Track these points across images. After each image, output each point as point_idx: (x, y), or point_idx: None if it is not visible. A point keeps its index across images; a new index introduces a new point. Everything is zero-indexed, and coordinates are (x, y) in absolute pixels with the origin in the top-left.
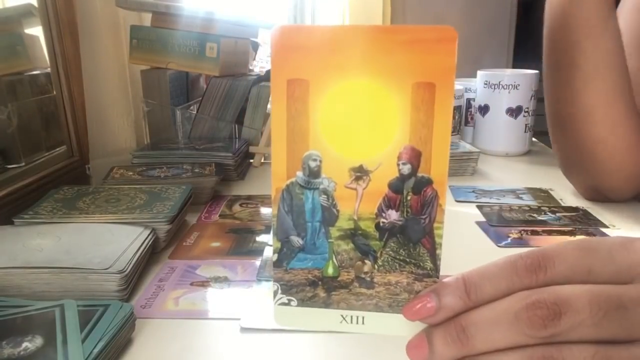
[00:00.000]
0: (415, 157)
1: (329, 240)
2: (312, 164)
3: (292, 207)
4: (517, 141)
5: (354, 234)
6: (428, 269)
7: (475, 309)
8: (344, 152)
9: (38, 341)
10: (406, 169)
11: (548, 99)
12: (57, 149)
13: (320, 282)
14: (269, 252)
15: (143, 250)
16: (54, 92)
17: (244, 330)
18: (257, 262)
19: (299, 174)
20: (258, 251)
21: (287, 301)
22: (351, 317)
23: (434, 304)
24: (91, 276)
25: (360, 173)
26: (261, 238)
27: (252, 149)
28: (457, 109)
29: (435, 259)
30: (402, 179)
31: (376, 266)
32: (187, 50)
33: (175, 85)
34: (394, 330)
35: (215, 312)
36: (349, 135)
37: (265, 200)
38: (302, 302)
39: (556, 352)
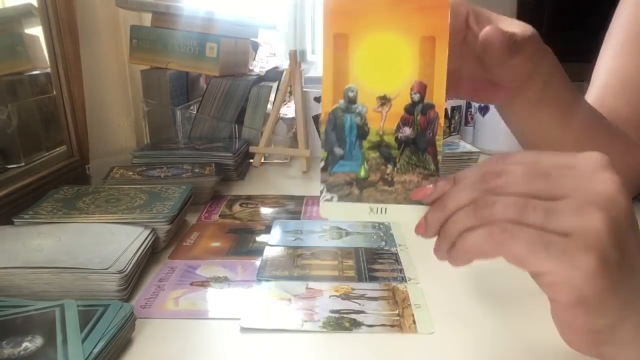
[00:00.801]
0: (422, 88)
1: (362, 150)
2: (350, 94)
3: (335, 126)
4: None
5: (379, 145)
6: (432, 170)
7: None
8: (373, 86)
9: (38, 341)
10: (416, 97)
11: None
12: (57, 149)
13: (354, 182)
14: (268, 252)
15: (143, 250)
16: (54, 92)
17: (244, 330)
18: (257, 262)
19: (341, 101)
20: (258, 251)
21: (330, 198)
22: (377, 208)
23: (430, 188)
24: (91, 276)
25: (384, 100)
26: (261, 238)
27: (252, 149)
28: (457, 109)
29: (436, 162)
30: (414, 104)
31: (395, 169)
32: (187, 50)
33: (175, 85)
34: (407, 217)
35: (215, 312)
36: (376, 73)
37: (265, 200)
38: (341, 198)
39: (492, 198)
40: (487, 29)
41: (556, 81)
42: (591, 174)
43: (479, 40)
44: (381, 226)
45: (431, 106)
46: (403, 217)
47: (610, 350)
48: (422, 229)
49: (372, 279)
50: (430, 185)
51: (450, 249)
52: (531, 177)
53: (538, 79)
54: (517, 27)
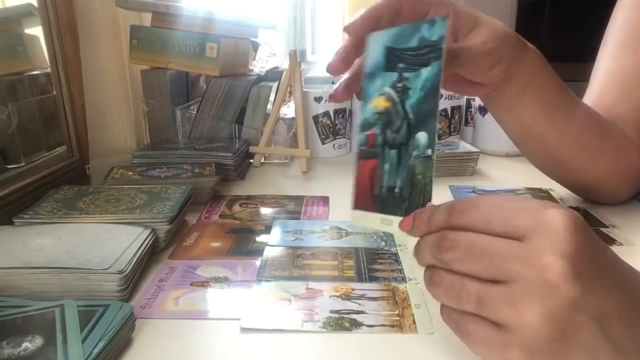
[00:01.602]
0: None
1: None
2: None
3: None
4: None
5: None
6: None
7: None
8: None
9: (38, 341)
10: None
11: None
12: (57, 149)
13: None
14: (269, 252)
15: (143, 251)
16: (54, 92)
17: (244, 330)
18: (257, 262)
19: None
20: (258, 251)
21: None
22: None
23: (411, 223)
24: (91, 276)
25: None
26: (261, 238)
27: (252, 149)
28: (457, 109)
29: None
30: None
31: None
32: (187, 50)
33: (175, 85)
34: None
35: (215, 312)
36: None
37: (265, 200)
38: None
39: (439, 275)
40: (460, 45)
41: (539, 79)
42: (536, 257)
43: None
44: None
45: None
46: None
47: None
48: (408, 227)
49: (372, 279)
50: (411, 221)
51: None
52: (474, 257)
53: (517, 78)
54: (486, 35)
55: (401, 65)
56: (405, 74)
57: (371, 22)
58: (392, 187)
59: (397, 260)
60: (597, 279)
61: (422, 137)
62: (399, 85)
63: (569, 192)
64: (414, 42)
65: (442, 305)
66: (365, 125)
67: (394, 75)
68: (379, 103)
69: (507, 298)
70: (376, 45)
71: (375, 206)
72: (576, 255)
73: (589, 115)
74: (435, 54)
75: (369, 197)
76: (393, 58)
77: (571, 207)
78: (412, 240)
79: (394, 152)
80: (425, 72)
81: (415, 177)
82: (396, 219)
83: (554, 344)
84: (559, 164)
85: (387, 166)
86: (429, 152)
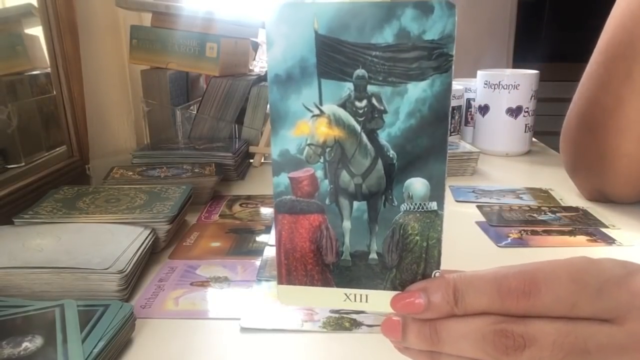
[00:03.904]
0: None
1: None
2: None
3: None
4: (517, 141)
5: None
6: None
7: (453, 318)
8: None
9: (38, 341)
10: None
11: (583, 99)
12: (57, 149)
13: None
14: (269, 252)
15: (143, 250)
16: (54, 92)
17: (244, 330)
18: (257, 262)
19: None
20: (258, 251)
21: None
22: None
23: (422, 301)
24: (91, 276)
25: None
26: (261, 238)
27: (252, 149)
28: (457, 109)
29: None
30: None
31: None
32: (187, 50)
33: (175, 85)
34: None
35: (215, 312)
36: None
37: (265, 200)
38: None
39: None
40: None
41: None
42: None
43: None
44: None
45: None
46: (389, 310)
47: None
48: (396, 334)
49: None
50: (421, 299)
51: None
52: (564, 355)
53: None
54: None
55: (361, 72)
56: (373, 87)
57: None
58: (362, 252)
59: None
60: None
61: (417, 185)
62: (360, 103)
63: (569, 192)
64: (386, 37)
65: None
66: (287, 163)
67: (343, 87)
68: (316, 129)
69: None
70: (295, 27)
71: (327, 280)
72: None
73: None
74: (438, 62)
75: (314, 268)
76: (337, 57)
77: (571, 207)
78: None
79: (360, 204)
80: (417, 90)
81: (408, 239)
82: (376, 294)
83: None
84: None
85: (347, 224)
86: (433, 205)
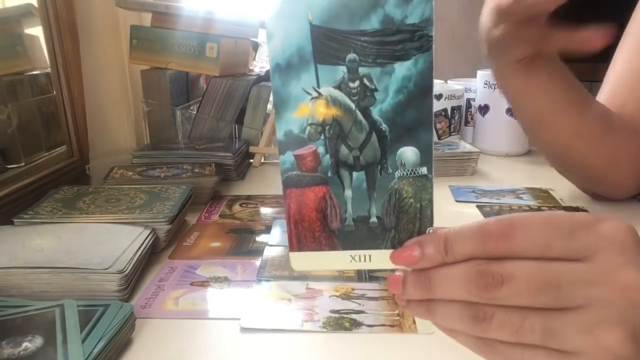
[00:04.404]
0: None
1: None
2: None
3: None
4: (517, 141)
5: None
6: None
7: (445, 266)
8: None
9: (38, 341)
10: None
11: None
12: (57, 149)
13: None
14: (269, 252)
15: (143, 250)
16: (54, 92)
17: (244, 330)
18: (257, 262)
19: None
20: (258, 251)
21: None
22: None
23: (417, 253)
24: (91, 276)
25: None
26: (261, 238)
27: (252, 149)
28: (457, 109)
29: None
30: None
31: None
32: (187, 50)
33: (175, 85)
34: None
35: (215, 312)
36: None
37: (265, 200)
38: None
39: (490, 311)
40: None
41: (563, 67)
42: (609, 274)
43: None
44: None
45: None
46: (391, 266)
47: None
48: (398, 288)
49: (372, 278)
50: (416, 252)
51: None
52: (540, 287)
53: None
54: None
55: (352, 56)
56: (364, 69)
57: None
58: (363, 217)
59: None
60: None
61: (408, 153)
62: (354, 84)
63: (570, 192)
64: (373, 23)
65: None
66: (292, 142)
67: (338, 71)
68: (315, 110)
69: (581, 324)
70: (291, 20)
71: (334, 244)
72: None
73: (596, 105)
74: (420, 43)
75: (321, 234)
76: (331, 44)
77: (571, 207)
78: None
79: (358, 174)
80: (404, 68)
81: (403, 202)
82: (378, 253)
83: None
84: (562, 148)
85: (348, 193)
86: (423, 170)
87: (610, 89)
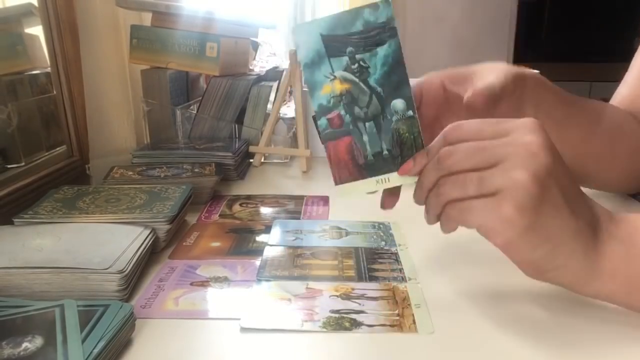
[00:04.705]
0: None
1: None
2: None
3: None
4: None
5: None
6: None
7: (431, 169)
8: None
9: (38, 341)
10: None
11: None
12: (57, 149)
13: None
14: (269, 252)
15: (143, 250)
16: (54, 92)
17: (244, 330)
18: (257, 262)
19: None
20: (258, 251)
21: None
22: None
23: (411, 164)
24: (91, 276)
25: None
26: (261, 238)
27: (252, 148)
28: None
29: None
30: None
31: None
32: (187, 50)
33: (175, 85)
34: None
35: (215, 312)
36: None
37: (265, 200)
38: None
39: (446, 179)
40: (468, 95)
41: (545, 103)
42: (519, 139)
43: (464, 103)
44: (381, 226)
45: None
46: (403, 181)
47: (552, 275)
48: (409, 168)
49: (372, 278)
50: (411, 163)
51: (437, 217)
52: (472, 154)
53: (528, 107)
54: (494, 76)
55: (350, 49)
56: (359, 55)
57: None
58: (378, 152)
59: (397, 260)
60: (559, 158)
61: (398, 103)
62: (354, 66)
63: None
64: (358, 27)
65: (442, 212)
66: (324, 111)
67: (343, 60)
68: (334, 87)
69: (502, 170)
70: (309, 35)
71: (363, 174)
72: (546, 136)
73: (600, 123)
74: (389, 33)
75: (354, 169)
76: (336, 44)
77: None
78: (413, 240)
79: (369, 123)
80: (383, 50)
81: (402, 136)
82: (393, 174)
83: (535, 200)
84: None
85: (365, 137)
86: (410, 113)
87: (629, 90)
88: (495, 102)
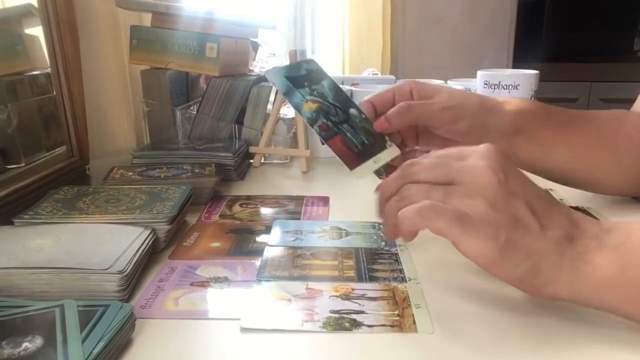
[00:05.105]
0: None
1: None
2: None
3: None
4: None
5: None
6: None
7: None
8: None
9: (38, 341)
10: None
11: None
12: (57, 149)
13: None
14: (269, 252)
15: (143, 251)
16: (54, 92)
17: (244, 330)
18: (257, 262)
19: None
20: (258, 251)
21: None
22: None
23: (382, 121)
24: (91, 276)
25: None
26: (261, 238)
27: (252, 149)
28: None
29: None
30: None
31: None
32: (187, 50)
33: (175, 85)
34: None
35: (215, 312)
36: None
37: (265, 200)
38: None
39: (410, 186)
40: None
41: (529, 127)
42: (474, 165)
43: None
44: (381, 226)
45: None
46: (391, 155)
47: (549, 290)
48: (384, 124)
49: (372, 279)
50: (380, 119)
51: (395, 227)
52: (434, 167)
53: (493, 131)
54: (444, 97)
55: (306, 83)
56: (313, 87)
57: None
58: (362, 142)
59: (397, 260)
60: (517, 177)
61: (352, 111)
62: (315, 93)
63: (569, 192)
64: (303, 72)
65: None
66: (312, 121)
67: (306, 90)
68: (310, 106)
69: (459, 195)
70: (278, 77)
71: (363, 158)
72: (499, 158)
73: (598, 136)
74: (322, 74)
75: (355, 156)
76: (296, 81)
77: (572, 207)
78: (413, 240)
79: (345, 125)
80: (325, 83)
81: (368, 130)
82: (382, 153)
83: (495, 225)
84: (572, 184)
85: (349, 134)
86: (364, 115)
87: None
88: (441, 116)
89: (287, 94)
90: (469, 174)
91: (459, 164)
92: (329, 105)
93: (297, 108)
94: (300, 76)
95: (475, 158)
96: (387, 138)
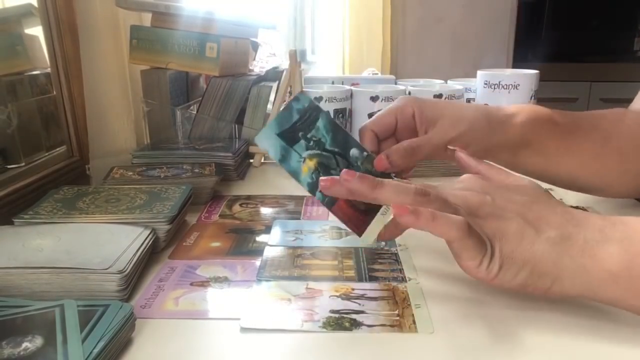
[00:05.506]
0: None
1: None
2: None
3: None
4: None
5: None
6: None
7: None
8: None
9: (38, 341)
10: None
11: None
12: (57, 149)
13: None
14: (269, 252)
15: (143, 250)
16: (54, 92)
17: (244, 330)
18: (257, 262)
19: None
20: (258, 251)
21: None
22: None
23: (382, 158)
24: (91, 276)
25: None
26: (261, 238)
27: (252, 149)
28: None
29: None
30: None
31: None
32: (187, 50)
33: (175, 85)
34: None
35: (215, 312)
36: None
37: (265, 200)
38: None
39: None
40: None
41: (535, 140)
42: (502, 195)
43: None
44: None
45: None
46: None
47: (556, 289)
48: (383, 163)
49: (372, 279)
50: (381, 156)
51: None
52: (438, 194)
53: (502, 148)
54: (447, 126)
55: (301, 133)
56: (309, 135)
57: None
58: None
59: (397, 260)
60: (498, 193)
61: (353, 152)
62: (311, 143)
63: (569, 192)
64: (295, 117)
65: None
66: (314, 187)
67: (302, 143)
68: (309, 165)
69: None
70: (270, 138)
71: (370, 216)
72: (478, 183)
73: (604, 142)
74: (315, 111)
75: (362, 216)
76: (289, 135)
77: (571, 207)
78: (412, 240)
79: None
80: (321, 123)
81: (371, 172)
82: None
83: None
84: (578, 190)
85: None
86: (365, 153)
87: None
88: (444, 152)
89: (282, 161)
90: (456, 199)
91: (445, 192)
92: (328, 155)
93: (295, 175)
94: (292, 126)
95: (461, 184)
96: (392, 175)
